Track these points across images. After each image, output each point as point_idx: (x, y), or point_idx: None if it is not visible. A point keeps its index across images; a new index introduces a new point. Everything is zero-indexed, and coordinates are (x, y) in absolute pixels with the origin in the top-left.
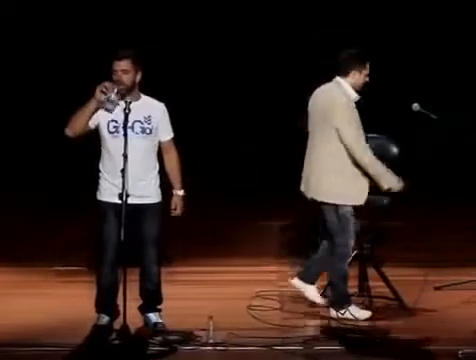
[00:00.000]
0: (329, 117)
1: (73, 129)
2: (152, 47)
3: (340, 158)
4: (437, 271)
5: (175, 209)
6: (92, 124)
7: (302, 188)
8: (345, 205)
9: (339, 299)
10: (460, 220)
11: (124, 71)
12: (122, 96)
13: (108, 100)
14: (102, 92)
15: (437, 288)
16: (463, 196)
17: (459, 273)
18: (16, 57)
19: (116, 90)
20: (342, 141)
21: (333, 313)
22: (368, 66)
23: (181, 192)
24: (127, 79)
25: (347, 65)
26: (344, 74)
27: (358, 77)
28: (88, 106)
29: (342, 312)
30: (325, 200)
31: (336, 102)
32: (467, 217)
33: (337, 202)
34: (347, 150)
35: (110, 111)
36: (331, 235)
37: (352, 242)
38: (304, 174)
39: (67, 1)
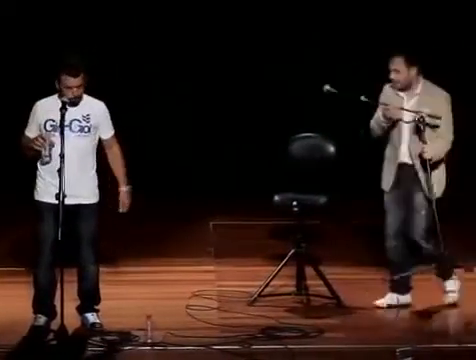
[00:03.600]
0: None
1: (27, 157)
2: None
3: None
4: (375, 269)
5: (123, 205)
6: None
7: None
8: None
9: None
10: None
11: (79, 87)
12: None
13: (44, 154)
14: (37, 145)
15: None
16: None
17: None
18: (16, 57)
19: (48, 145)
20: None
21: None
22: None
23: (126, 188)
24: (79, 94)
25: None
26: None
27: None
28: (31, 148)
29: None
30: None
31: None
32: None
33: None
34: None
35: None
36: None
37: None
38: None
39: (67, 1)
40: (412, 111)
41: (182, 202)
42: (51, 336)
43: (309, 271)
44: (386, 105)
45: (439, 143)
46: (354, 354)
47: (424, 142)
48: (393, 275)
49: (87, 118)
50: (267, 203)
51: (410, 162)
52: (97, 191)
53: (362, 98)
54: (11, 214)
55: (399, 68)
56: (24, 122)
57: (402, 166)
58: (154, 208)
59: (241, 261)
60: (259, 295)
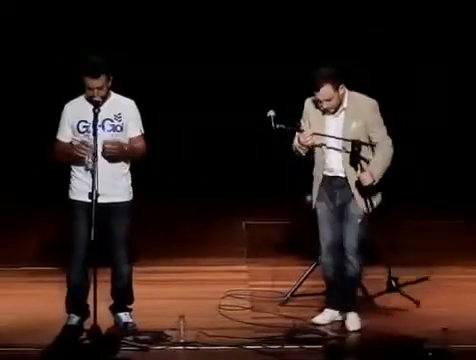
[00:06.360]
0: None
1: (58, 162)
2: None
3: None
4: (405, 270)
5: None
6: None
7: None
8: None
9: None
10: (423, 220)
11: (99, 88)
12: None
13: (87, 161)
14: (81, 153)
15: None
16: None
17: (421, 272)
18: (16, 57)
19: (91, 153)
20: None
21: None
22: None
23: None
24: (102, 94)
25: None
26: None
27: None
28: (69, 158)
29: None
30: None
31: None
32: (437, 217)
33: None
34: None
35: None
36: None
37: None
38: None
39: (67, 1)
40: (345, 139)
41: (215, 202)
42: (84, 335)
43: None
44: (302, 131)
45: (379, 156)
46: (383, 354)
47: (362, 170)
48: (328, 291)
49: (119, 117)
50: (299, 203)
51: (343, 175)
52: (131, 190)
53: (270, 113)
54: (44, 213)
55: (329, 96)
56: (23, 122)
57: (334, 179)
58: (187, 208)
59: (274, 261)
60: (291, 295)
